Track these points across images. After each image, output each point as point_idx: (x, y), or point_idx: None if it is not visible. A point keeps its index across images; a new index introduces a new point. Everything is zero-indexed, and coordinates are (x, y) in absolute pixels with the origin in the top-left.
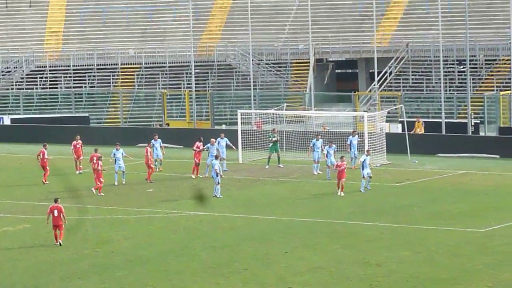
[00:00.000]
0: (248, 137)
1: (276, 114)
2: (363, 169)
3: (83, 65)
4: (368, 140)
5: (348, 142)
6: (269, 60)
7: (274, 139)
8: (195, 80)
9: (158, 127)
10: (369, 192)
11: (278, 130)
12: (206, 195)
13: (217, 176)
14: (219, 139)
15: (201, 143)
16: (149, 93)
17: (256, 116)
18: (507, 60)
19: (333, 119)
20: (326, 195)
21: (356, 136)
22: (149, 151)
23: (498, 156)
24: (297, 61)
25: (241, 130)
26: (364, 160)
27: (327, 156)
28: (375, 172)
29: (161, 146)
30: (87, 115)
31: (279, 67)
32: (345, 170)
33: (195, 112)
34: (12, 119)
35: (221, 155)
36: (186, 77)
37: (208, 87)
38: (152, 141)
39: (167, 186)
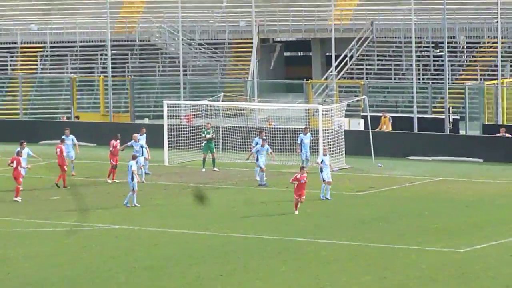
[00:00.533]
0: (176, 134)
1: (210, 106)
2: (321, 171)
3: None
4: (324, 139)
5: (299, 141)
6: (203, 39)
7: (208, 136)
8: (112, 64)
9: (66, 120)
10: (325, 203)
11: (213, 125)
12: (206, 194)
13: (132, 180)
14: (137, 135)
15: (118, 141)
16: (55, 79)
17: (187, 108)
18: (493, 43)
19: (280, 112)
20: (272, 205)
21: (309, 134)
22: (63, 150)
23: (481, 160)
24: (237, 41)
25: (168, 125)
26: (322, 160)
27: (257, 159)
28: (332, 178)
29: (74, 144)
30: None
31: (215, 48)
32: (306, 183)
33: (111, 102)
34: None
35: (144, 155)
36: (101, 59)
37: (128, 72)
38: (64, 137)
39: (76, 193)
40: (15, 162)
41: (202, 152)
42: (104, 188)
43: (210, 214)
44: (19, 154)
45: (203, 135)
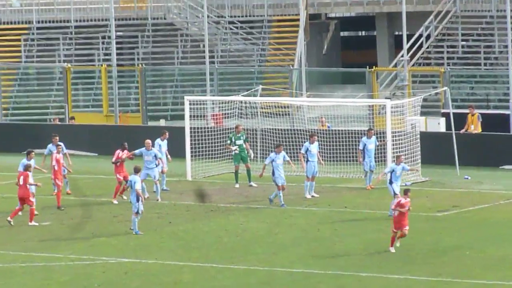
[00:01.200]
0: (202, 140)
1: (245, 103)
2: (391, 183)
3: None
4: (394, 144)
5: (361, 147)
6: (235, 17)
7: (238, 142)
8: (118, 49)
9: (58, 123)
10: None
11: (246, 128)
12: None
13: (137, 201)
14: (158, 140)
15: (125, 151)
16: (43, 70)
17: (214, 106)
18: None
19: (336, 110)
20: (326, 229)
21: (374, 138)
22: (59, 161)
23: None
24: (280, 18)
25: (191, 128)
26: (393, 170)
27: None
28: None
29: (65, 154)
30: None
31: (251, 28)
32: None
33: (116, 99)
34: None
35: (163, 166)
36: (103, 44)
37: (138, 60)
38: (49, 146)
39: (74, 216)
40: (21, 178)
41: (234, 163)
42: (109, 210)
43: (246, 243)
44: (27, 168)
45: (228, 142)
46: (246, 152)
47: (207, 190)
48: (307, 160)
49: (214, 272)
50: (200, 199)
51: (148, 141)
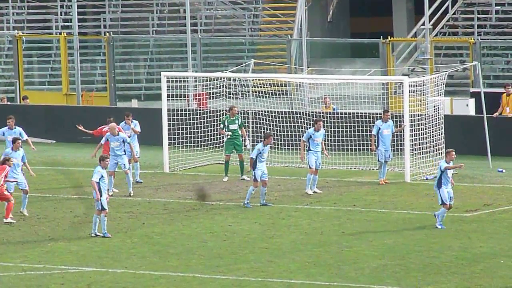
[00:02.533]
0: (182, 125)
1: (235, 80)
2: (439, 186)
3: None
4: (413, 131)
5: (374, 132)
6: None
7: (232, 127)
8: (79, 14)
9: (7, 103)
10: (432, 230)
11: (240, 109)
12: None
13: (101, 195)
14: (122, 125)
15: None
16: None
17: (197, 84)
18: None
19: (344, 89)
20: (330, 233)
21: (390, 122)
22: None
23: None
24: None
25: (169, 111)
26: (443, 171)
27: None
28: (428, 190)
29: (25, 141)
30: None
31: None
32: None
33: (78, 74)
34: None
35: (134, 153)
36: (62, 8)
37: (105, 27)
38: (3, 130)
39: (26, 216)
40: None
41: (224, 153)
42: (69, 208)
43: (235, 248)
44: (5, 161)
45: (222, 126)
46: (240, 139)
47: (208, 190)
48: (309, 149)
49: (197, 284)
50: (201, 198)
51: (114, 124)
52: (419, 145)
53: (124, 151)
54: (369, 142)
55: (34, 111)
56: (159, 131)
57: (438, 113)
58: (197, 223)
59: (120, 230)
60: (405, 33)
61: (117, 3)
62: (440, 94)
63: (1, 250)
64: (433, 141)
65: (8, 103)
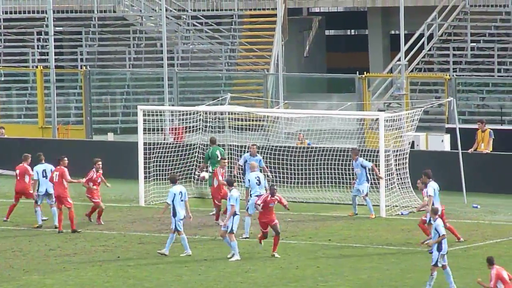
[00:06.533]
0: (158, 158)
1: (212, 114)
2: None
3: None
4: (387, 166)
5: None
6: (199, 11)
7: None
8: (56, 48)
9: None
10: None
11: (219, 142)
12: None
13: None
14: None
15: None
16: None
17: (174, 118)
18: None
19: (320, 124)
20: (306, 268)
21: (359, 159)
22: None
23: None
24: (253, 13)
25: (145, 144)
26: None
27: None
28: (403, 225)
29: None
30: None
31: (218, 24)
32: None
33: (54, 107)
34: None
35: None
36: (39, 41)
37: (82, 60)
38: None
39: (0, 249)
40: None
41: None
42: (44, 241)
43: (210, 282)
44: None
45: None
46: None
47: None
48: (245, 174)
49: None
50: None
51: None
52: (395, 180)
53: None
54: (342, 176)
55: (9, 144)
56: (135, 165)
57: (407, 147)
58: (172, 256)
59: (95, 263)
60: (381, 69)
61: (94, 37)
62: (413, 130)
63: (35, 284)
64: (406, 176)
65: None
